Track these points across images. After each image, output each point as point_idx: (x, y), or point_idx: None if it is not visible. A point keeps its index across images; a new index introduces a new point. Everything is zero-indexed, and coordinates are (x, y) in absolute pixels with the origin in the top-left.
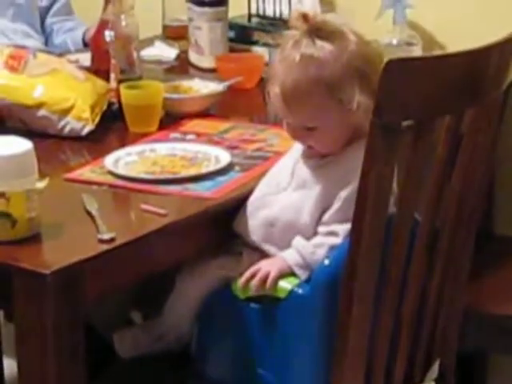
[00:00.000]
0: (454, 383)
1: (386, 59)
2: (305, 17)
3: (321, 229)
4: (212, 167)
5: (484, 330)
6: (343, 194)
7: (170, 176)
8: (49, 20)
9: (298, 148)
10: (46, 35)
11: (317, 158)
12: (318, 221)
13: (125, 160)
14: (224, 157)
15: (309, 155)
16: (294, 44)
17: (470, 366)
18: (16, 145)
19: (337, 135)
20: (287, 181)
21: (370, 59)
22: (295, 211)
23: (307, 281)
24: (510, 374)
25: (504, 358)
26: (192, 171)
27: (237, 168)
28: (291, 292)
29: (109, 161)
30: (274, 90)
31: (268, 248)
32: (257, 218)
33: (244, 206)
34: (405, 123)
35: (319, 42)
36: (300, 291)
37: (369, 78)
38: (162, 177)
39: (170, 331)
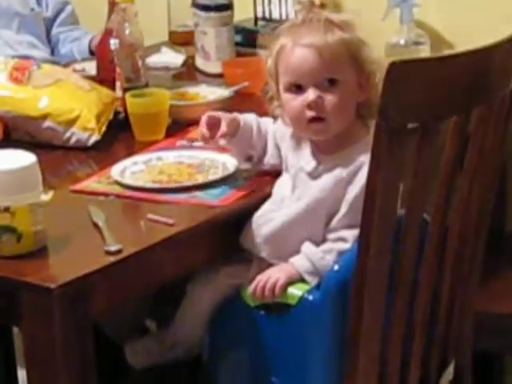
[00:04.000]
0: None
1: (389, 61)
2: (311, 2)
3: (329, 235)
4: (219, 174)
5: (499, 330)
6: (349, 198)
7: (177, 185)
8: (54, 30)
9: (293, 163)
10: (52, 45)
11: (315, 165)
12: (326, 226)
13: (131, 169)
14: (231, 163)
15: (315, 136)
16: (310, 14)
17: (488, 367)
18: (20, 158)
19: (347, 104)
20: (289, 195)
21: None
22: (300, 223)
23: (317, 287)
24: None
25: None
26: (199, 179)
27: (244, 174)
28: (301, 298)
29: (115, 171)
30: (299, 45)
31: (277, 262)
32: (262, 236)
33: (249, 222)
34: (410, 125)
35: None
36: (310, 297)
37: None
38: (169, 185)
39: (181, 340)
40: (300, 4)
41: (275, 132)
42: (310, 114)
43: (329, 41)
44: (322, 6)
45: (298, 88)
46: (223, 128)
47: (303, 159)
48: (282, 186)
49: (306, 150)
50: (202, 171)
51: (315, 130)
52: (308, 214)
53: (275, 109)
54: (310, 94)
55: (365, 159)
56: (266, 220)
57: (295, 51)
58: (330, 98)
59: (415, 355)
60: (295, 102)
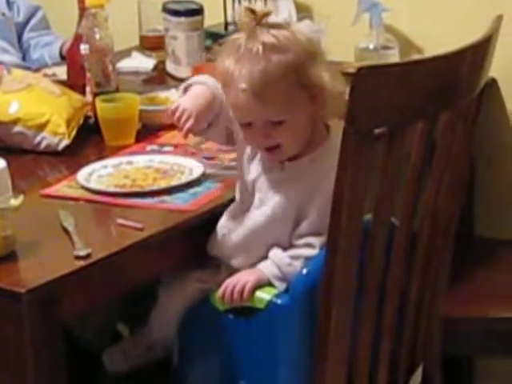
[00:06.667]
0: None
1: (356, 66)
2: (252, 11)
3: (297, 241)
4: (182, 180)
5: (469, 334)
6: (317, 204)
7: (138, 189)
8: (26, 35)
9: (252, 168)
10: (24, 50)
11: (278, 171)
12: (293, 231)
13: (99, 173)
14: (197, 169)
15: (270, 163)
16: (249, 38)
17: (457, 370)
18: None
19: (302, 128)
20: (250, 200)
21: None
22: (266, 230)
23: (286, 290)
24: (496, 376)
25: (490, 361)
26: (162, 184)
27: (213, 179)
28: (270, 302)
29: (81, 175)
30: (239, 88)
31: (246, 268)
32: (229, 245)
33: (214, 231)
34: (377, 130)
35: (273, 31)
36: (279, 301)
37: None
38: (130, 190)
39: (156, 342)
40: (242, 14)
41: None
42: (262, 146)
43: (269, 77)
44: (265, 14)
45: (247, 124)
46: (189, 124)
47: (264, 164)
48: (241, 193)
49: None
50: (166, 176)
51: (272, 157)
52: (274, 221)
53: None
54: (258, 137)
55: (330, 165)
56: (231, 229)
57: (238, 94)
58: (279, 133)
59: (383, 358)
60: (247, 135)
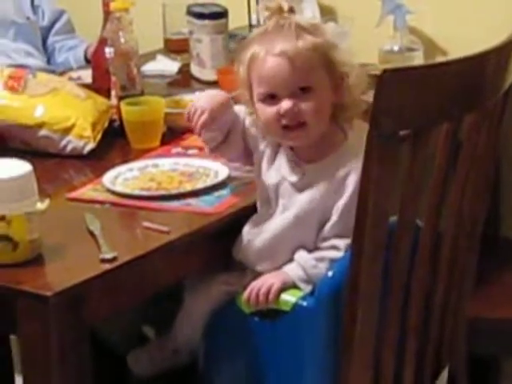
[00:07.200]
0: None
1: (381, 69)
2: (278, 3)
3: (322, 243)
4: (208, 183)
5: (495, 334)
6: (339, 207)
7: (164, 192)
8: (50, 39)
9: (272, 173)
10: (49, 54)
11: (300, 176)
12: (318, 233)
13: (125, 176)
14: (223, 172)
15: (294, 143)
16: (279, 19)
17: (484, 371)
18: (15, 168)
19: (324, 110)
20: (273, 206)
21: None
22: (291, 234)
23: (311, 293)
24: None
25: None
26: (188, 187)
27: (239, 181)
28: (295, 305)
29: (107, 178)
30: (270, 53)
31: (272, 271)
32: (254, 251)
33: (239, 236)
34: (402, 132)
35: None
36: (304, 304)
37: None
38: (156, 193)
39: (182, 346)
40: (268, 10)
41: (247, 132)
42: (284, 122)
43: (300, 48)
44: (291, 10)
45: (271, 97)
46: (202, 119)
47: (284, 169)
48: (263, 198)
49: (285, 159)
50: (192, 179)
51: (294, 136)
52: (298, 225)
53: (246, 117)
54: (285, 104)
55: (350, 167)
56: (256, 234)
57: (268, 61)
58: (304, 105)
59: (409, 360)
60: (269, 111)
